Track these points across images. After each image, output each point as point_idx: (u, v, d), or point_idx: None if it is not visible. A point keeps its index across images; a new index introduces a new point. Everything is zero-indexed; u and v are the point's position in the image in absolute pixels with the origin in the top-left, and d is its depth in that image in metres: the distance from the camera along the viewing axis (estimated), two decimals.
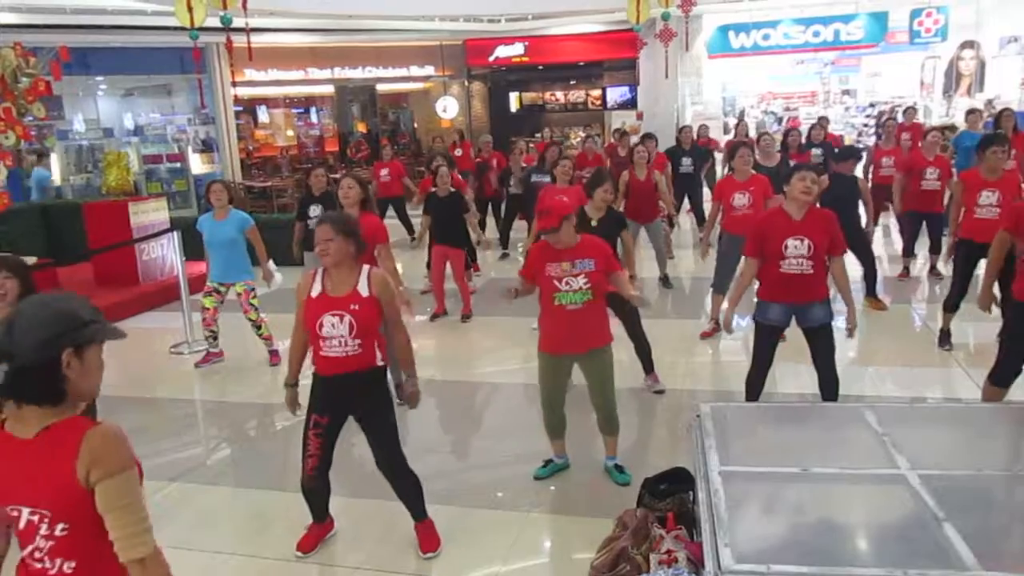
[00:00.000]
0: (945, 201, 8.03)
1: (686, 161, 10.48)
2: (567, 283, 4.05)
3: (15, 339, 1.85)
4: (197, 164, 15.18)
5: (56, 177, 13.79)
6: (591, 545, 3.41)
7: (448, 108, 18.10)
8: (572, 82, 18.96)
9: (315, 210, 7.10)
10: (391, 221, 11.01)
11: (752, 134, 13.19)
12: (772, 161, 8.20)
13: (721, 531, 2.47)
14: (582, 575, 3.29)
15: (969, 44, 15.25)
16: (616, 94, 17.78)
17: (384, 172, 11.08)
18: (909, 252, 8.33)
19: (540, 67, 18.53)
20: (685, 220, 11.66)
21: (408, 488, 3.76)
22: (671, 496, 3.51)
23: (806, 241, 4.34)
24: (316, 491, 3.78)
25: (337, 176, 11.75)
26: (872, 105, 16.65)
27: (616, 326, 4.43)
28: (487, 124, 18.81)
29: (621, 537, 3.24)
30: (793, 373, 5.56)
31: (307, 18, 14.39)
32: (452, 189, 7.70)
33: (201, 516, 4.33)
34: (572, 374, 4.38)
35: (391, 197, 11.09)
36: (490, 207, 11.14)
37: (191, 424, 5.95)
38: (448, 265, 7.71)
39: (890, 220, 9.63)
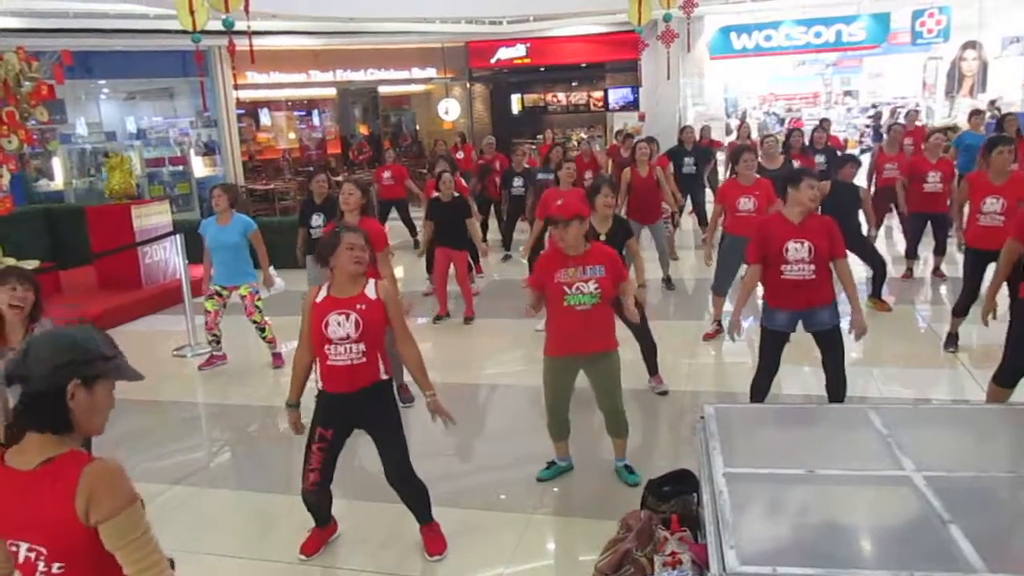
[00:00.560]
0: (949, 203, 8.02)
1: (688, 161, 10.47)
2: (577, 288, 4.05)
3: (29, 364, 1.85)
4: (199, 167, 15.19)
5: (59, 181, 13.82)
6: (595, 547, 3.40)
7: (450, 110, 18.10)
8: (574, 84, 18.95)
9: (317, 219, 7.10)
10: (394, 223, 11.06)
11: (755, 135, 13.18)
12: (775, 163, 8.18)
13: (726, 533, 2.46)
14: None
15: (971, 45, 15.24)
16: (618, 95, 17.78)
17: (387, 175, 11.09)
18: (912, 254, 8.32)
19: (542, 69, 18.53)
20: (687, 221, 11.64)
21: (416, 496, 3.76)
22: (675, 498, 3.50)
23: (806, 244, 4.34)
24: (317, 503, 3.78)
25: (339, 179, 11.79)
26: (874, 106, 16.64)
27: (620, 327, 4.42)
28: (489, 126, 18.81)
29: (625, 539, 3.23)
30: (797, 374, 5.55)
31: (309, 21, 14.40)
32: (456, 194, 7.70)
33: (204, 519, 4.33)
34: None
35: (394, 200, 11.11)
36: (492, 209, 11.15)
37: (194, 427, 5.95)
38: (451, 267, 7.71)
39: (893, 221, 9.62)
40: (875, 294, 7.33)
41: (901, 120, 11.96)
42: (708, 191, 10.98)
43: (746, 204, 6.46)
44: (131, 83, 15.41)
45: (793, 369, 5.49)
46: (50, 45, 9.88)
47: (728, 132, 15.69)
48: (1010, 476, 2.88)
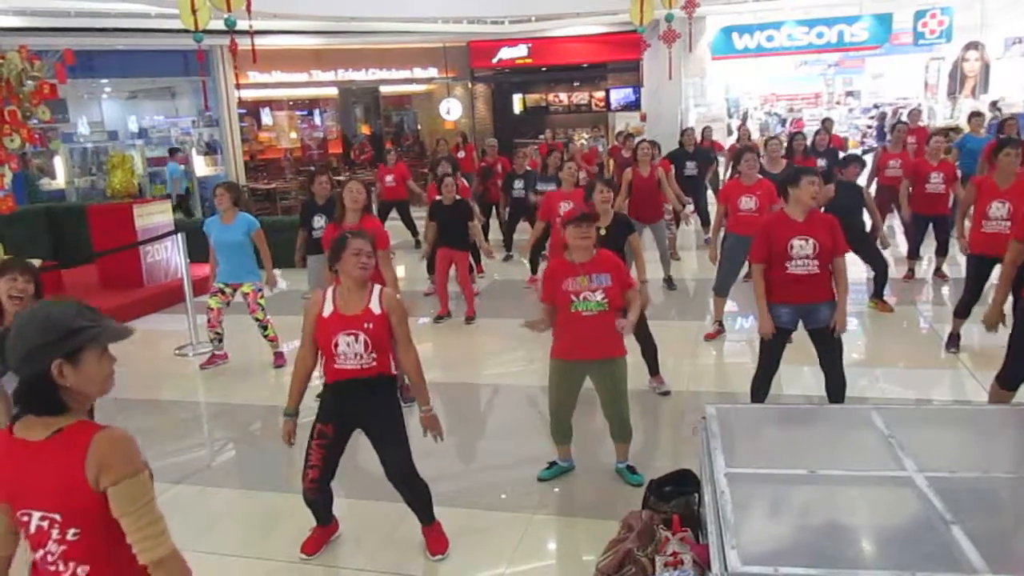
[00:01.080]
0: (951, 204, 8.01)
1: (690, 164, 10.46)
2: (584, 297, 4.07)
3: (7, 351, 1.87)
4: (201, 166, 15.20)
5: (60, 180, 13.84)
6: (596, 547, 3.41)
7: (452, 110, 18.11)
8: (576, 84, 18.95)
9: (319, 220, 7.10)
10: (395, 223, 11.07)
11: (756, 137, 13.17)
12: (778, 168, 8.16)
13: (728, 533, 2.46)
14: None
15: (973, 45, 15.23)
16: (620, 96, 17.78)
17: (389, 177, 11.10)
18: (914, 254, 8.32)
19: (544, 69, 18.53)
20: (689, 221, 11.62)
21: (419, 496, 3.75)
22: (676, 498, 3.51)
23: (811, 240, 4.35)
24: (318, 501, 3.77)
25: (341, 178, 11.79)
26: (876, 107, 16.62)
27: None
28: (490, 126, 18.81)
29: (627, 539, 3.23)
30: (798, 375, 5.55)
31: (311, 20, 14.42)
32: (457, 197, 7.70)
33: (206, 518, 4.33)
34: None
35: (396, 200, 11.11)
36: (494, 210, 11.14)
37: (196, 426, 5.95)
38: (452, 267, 7.72)
39: (895, 221, 9.62)
40: (877, 295, 7.33)
41: (904, 119, 11.94)
42: (710, 193, 10.96)
43: (748, 203, 6.47)
44: (133, 82, 15.44)
45: (794, 370, 5.49)
46: (52, 44, 9.88)
47: (729, 133, 15.68)
48: (1012, 477, 2.88)
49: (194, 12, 7.96)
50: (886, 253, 7.35)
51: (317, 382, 3.70)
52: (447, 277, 7.80)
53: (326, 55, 16.72)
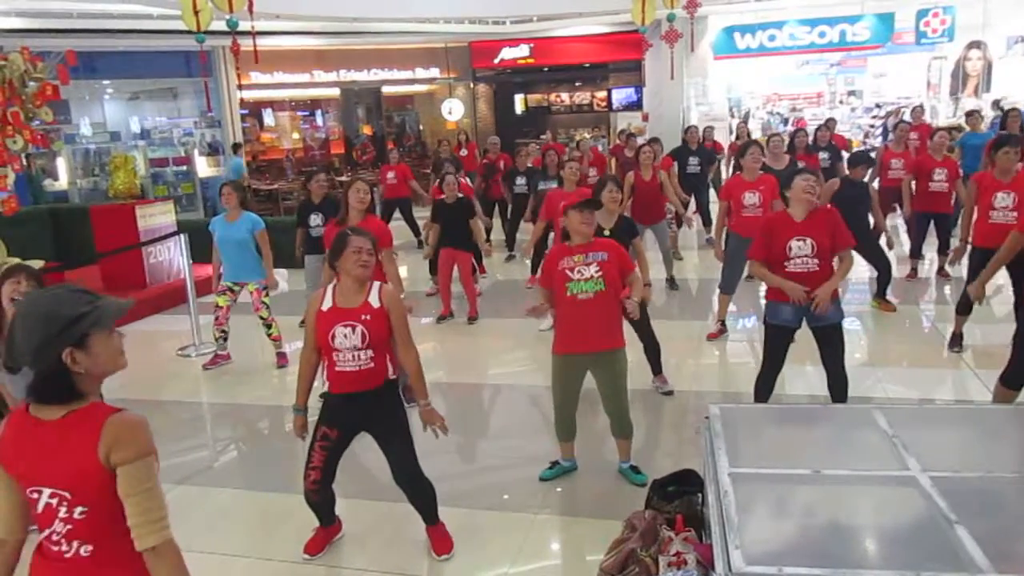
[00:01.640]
0: (953, 202, 8.00)
1: (692, 161, 10.46)
2: (579, 272, 4.07)
3: (15, 350, 1.88)
4: (203, 167, 15.22)
5: (63, 181, 13.86)
6: (599, 547, 3.40)
7: (453, 110, 18.12)
8: (577, 84, 18.95)
9: (316, 219, 7.15)
10: (398, 223, 11.07)
11: (757, 136, 13.15)
12: (780, 164, 8.17)
13: (731, 533, 2.46)
14: None
15: (976, 44, 15.21)
16: (621, 95, 17.77)
17: (391, 175, 11.11)
18: (917, 253, 8.31)
19: (545, 69, 18.53)
20: (692, 222, 11.61)
21: (424, 496, 3.75)
22: (680, 498, 3.50)
23: (809, 241, 4.35)
24: (319, 502, 3.77)
25: (343, 179, 11.80)
26: (878, 106, 16.60)
27: (625, 327, 4.42)
28: (492, 126, 18.81)
29: (630, 539, 3.23)
30: (802, 374, 5.54)
31: (313, 21, 14.43)
32: (460, 196, 7.71)
33: (209, 518, 4.33)
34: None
35: (398, 199, 11.12)
36: (496, 208, 11.14)
37: (199, 426, 5.96)
38: (455, 268, 7.72)
39: (897, 221, 9.61)
40: (880, 294, 7.32)
41: (907, 118, 11.93)
42: (712, 192, 10.95)
43: (751, 199, 6.45)
44: (135, 83, 15.46)
45: (797, 369, 5.49)
46: (55, 45, 9.90)
47: (730, 132, 15.67)
48: (1016, 476, 2.87)
49: (196, 13, 7.98)
50: (890, 253, 7.34)
51: (318, 381, 3.70)
52: (450, 278, 7.80)
53: (328, 55, 16.74)
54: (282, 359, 6.74)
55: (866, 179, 7.33)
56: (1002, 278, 6.39)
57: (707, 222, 10.72)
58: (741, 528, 2.49)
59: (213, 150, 15.60)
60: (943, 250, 8.14)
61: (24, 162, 9.03)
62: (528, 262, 9.00)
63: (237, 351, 6.97)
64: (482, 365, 6.86)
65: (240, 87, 13.80)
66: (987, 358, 5.74)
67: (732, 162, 9.21)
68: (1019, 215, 5.52)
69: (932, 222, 8.01)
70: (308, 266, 7.40)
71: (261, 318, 6.64)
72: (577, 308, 4.09)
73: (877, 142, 15.64)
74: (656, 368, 5.62)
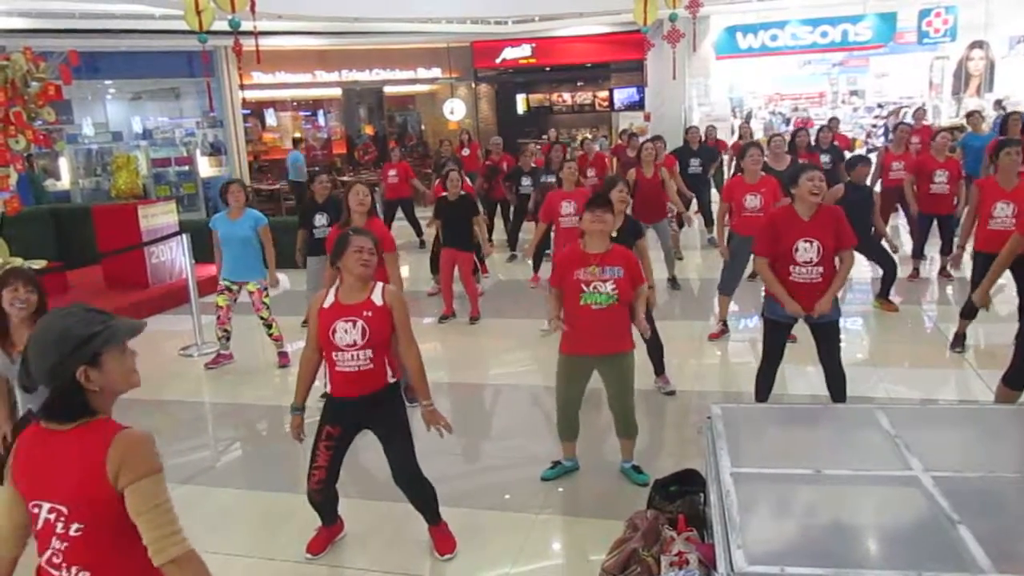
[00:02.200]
0: (955, 203, 7.98)
1: (694, 161, 10.46)
2: (595, 287, 4.07)
3: (31, 370, 1.91)
4: (205, 167, 15.22)
5: (65, 181, 13.87)
6: (601, 547, 3.40)
7: (455, 110, 18.11)
8: (579, 84, 18.94)
9: (320, 219, 7.13)
10: (401, 223, 11.09)
11: (759, 136, 13.14)
12: (782, 164, 8.16)
13: (733, 533, 2.46)
14: None
15: (978, 44, 15.19)
16: (623, 95, 17.76)
17: (392, 173, 11.13)
18: (919, 254, 8.30)
19: (547, 69, 18.51)
20: (693, 220, 11.60)
21: (424, 497, 3.75)
22: (682, 498, 3.50)
23: (815, 244, 4.34)
24: (323, 502, 3.77)
25: (345, 179, 11.81)
26: (880, 106, 16.58)
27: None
28: (494, 126, 18.80)
29: (632, 539, 3.23)
30: (803, 374, 5.54)
31: (314, 21, 14.43)
32: (462, 193, 7.71)
33: (211, 518, 4.33)
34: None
35: (400, 200, 11.12)
36: (499, 209, 11.15)
37: (201, 426, 5.96)
38: (456, 268, 7.72)
39: (899, 221, 9.60)
40: (883, 295, 7.31)
41: (908, 119, 11.93)
42: (714, 191, 10.95)
43: (752, 202, 6.45)
44: (137, 83, 15.47)
45: (798, 369, 5.48)
46: (57, 45, 9.92)
47: (732, 132, 15.66)
48: (1018, 476, 2.87)
49: (198, 13, 7.98)
50: (894, 255, 7.33)
51: (319, 381, 3.70)
52: (451, 278, 7.80)
53: (330, 56, 16.74)
54: (283, 359, 6.75)
55: (868, 181, 7.29)
56: (1005, 278, 6.39)
57: (709, 222, 10.72)
58: (743, 528, 2.49)
59: (215, 150, 15.61)
60: (945, 251, 8.13)
61: (26, 162, 9.04)
62: (530, 262, 9.00)
63: (239, 351, 6.98)
64: (484, 365, 6.86)
65: (242, 87, 13.80)
66: (989, 358, 5.73)
67: (733, 162, 9.22)
68: (1018, 222, 5.52)
69: (934, 222, 8.00)
70: (310, 267, 7.40)
71: (261, 318, 6.64)
72: (590, 315, 4.10)
73: (879, 142, 15.63)
74: (659, 368, 5.62)
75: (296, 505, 4.03)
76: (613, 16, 15.39)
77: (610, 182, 5.45)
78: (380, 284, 3.58)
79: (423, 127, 19.85)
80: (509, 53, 17.73)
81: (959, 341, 6.15)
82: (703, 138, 11.17)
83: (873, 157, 9.33)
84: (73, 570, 1.91)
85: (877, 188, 8.61)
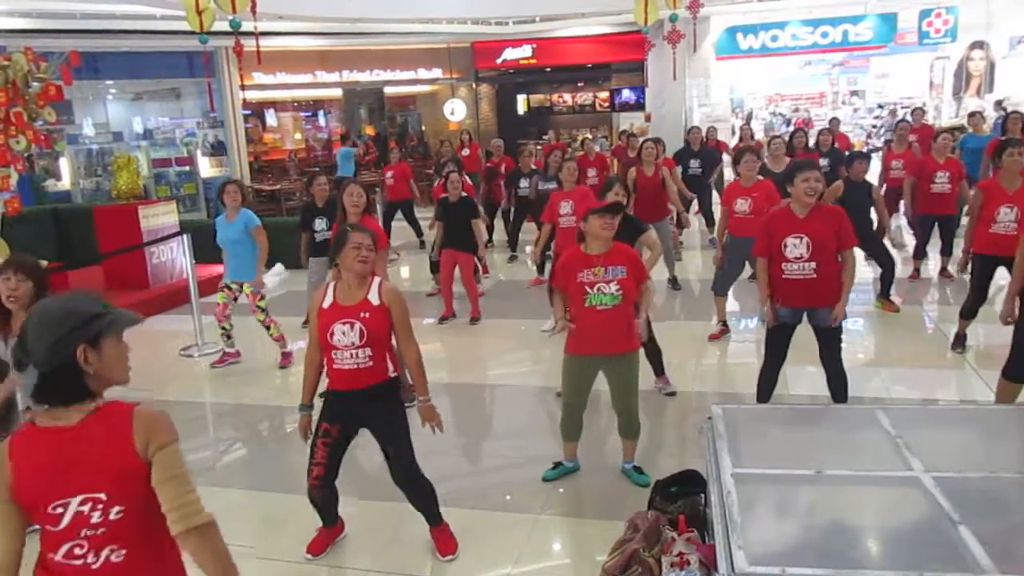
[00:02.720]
0: (959, 204, 7.96)
1: (694, 163, 10.46)
2: (599, 288, 4.07)
3: (29, 347, 1.88)
4: (206, 167, 15.24)
5: (66, 181, 13.88)
6: (602, 547, 3.40)
7: (456, 110, 18.12)
8: (580, 84, 18.95)
9: (320, 223, 7.12)
10: (400, 224, 11.09)
11: (760, 136, 13.14)
12: (780, 165, 8.17)
13: (734, 533, 2.46)
14: None
15: (978, 44, 15.20)
16: (624, 96, 17.77)
17: (389, 175, 11.14)
18: (920, 254, 8.29)
19: (548, 69, 18.53)
20: (693, 221, 11.61)
21: (423, 496, 3.75)
22: (682, 498, 3.50)
23: (804, 239, 4.34)
24: (322, 500, 3.77)
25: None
26: (881, 106, 16.60)
27: None
28: (495, 126, 18.82)
29: (632, 539, 3.22)
30: (804, 375, 5.53)
31: (315, 22, 14.44)
32: (463, 195, 7.71)
33: None
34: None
35: (399, 201, 11.12)
36: (500, 211, 11.15)
37: (201, 426, 5.96)
38: (457, 269, 7.72)
39: (900, 221, 9.60)
40: (883, 294, 7.30)
41: (908, 118, 11.92)
42: (715, 193, 10.94)
43: (742, 206, 6.47)
44: (138, 84, 15.49)
45: (800, 370, 5.48)
46: (58, 46, 9.92)
47: (733, 133, 15.67)
48: (1019, 477, 2.87)
49: (199, 13, 7.98)
50: (895, 252, 7.32)
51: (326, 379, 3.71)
52: (452, 279, 7.80)
53: (330, 56, 16.75)
54: (285, 359, 6.74)
55: (866, 177, 7.26)
56: (1003, 279, 6.38)
57: (710, 223, 10.72)
58: (744, 528, 2.48)
59: (216, 150, 15.62)
60: (945, 251, 8.12)
61: (27, 163, 9.05)
62: (534, 267, 8.99)
63: (241, 351, 6.97)
64: (485, 366, 6.85)
65: (243, 88, 13.80)
66: (990, 359, 5.72)
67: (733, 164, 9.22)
68: (1019, 227, 5.50)
69: (936, 223, 7.98)
70: (312, 268, 7.41)
71: (259, 320, 6.65)
72: (596, 315, 4.10)
73: (879, 142, 15.64)
74: (658, 369, 5.61)
75: (297, 506, 4.03)
76: (613, 17, 15.41)
77: (608, 184, 5.47)
78: (378, 281, 3.57)
79: (424, 128, 19.86)
80: (510, 53, 17.75)
81: (960, 341, 6.15)
82: (704, 139, 11.17)
83: (876, 157, 9.36)
84: (105, 552, 1.90)
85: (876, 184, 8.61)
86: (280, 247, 8.94)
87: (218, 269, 7.21)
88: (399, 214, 11.20)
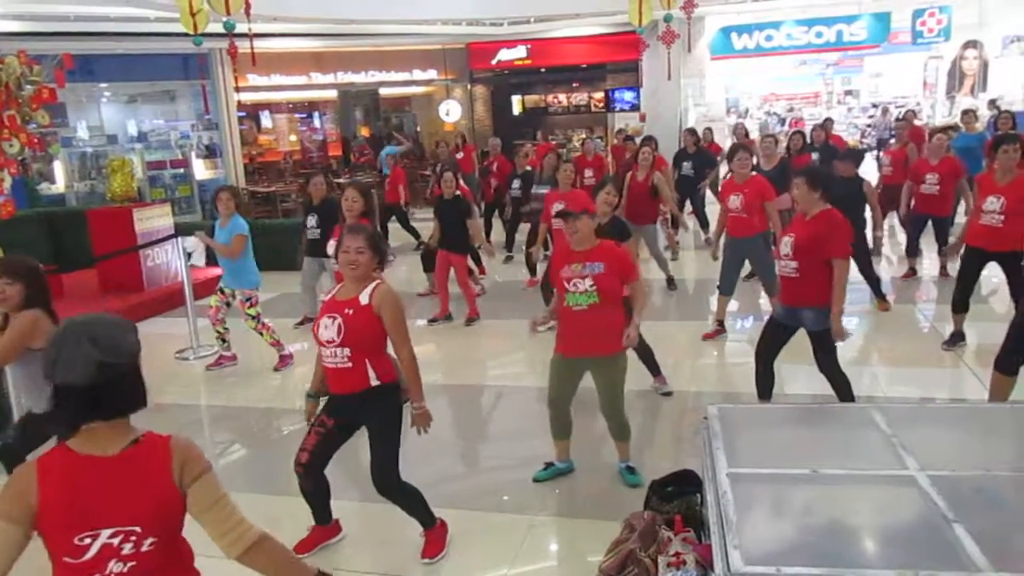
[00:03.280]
0: (958, 204, 7.96)
1: (686, 164, 10.49)
2: (575, 284, 4.09)
3: (108, 348, 1.84)
4: (201, 170, 15.20)
5: (60, 184, 13.83)
6: (599, 548, 3.40)
7: (451, 111, 18.09)
8: (575, 85, 18.93)
9: (311, 220, 7.18)
10: (395, 225, 11.09)
11: (755, 136, 13.17)
12: (772, 163, 8.21)
13: (730, 533, 2.46)
14: None
15: (972, 44, 15.25)
16: (619, 96, 17.76)
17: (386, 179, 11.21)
18: (912, 252, 8.28)
19: (543, 70, 18.52)
20: (687, 222, 11.63)
21: (405, 503, 3.74)
22: (679, 498, 3.50)
23: (789, 240, 4.49)
24: (310, 490, 3.76)
25: (341, 181, 11.82)
26: (875, 106, 16.65)
27: None
28: (490, 127, 18.80)
29: (629, 540, 3.23)
30: (799, 374, 5.54)
31: (310, 23, 14.41)
32: (457, 193, 7.71)
33: None
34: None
35: (393, 205, 11.13)
36: (496, 211, 11.16)
37: (197, 429, 5.94)
38: (452, 271, 7.73)
39: (894, 220, 9.62)
40: (877, 296, 7.29)
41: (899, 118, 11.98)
42: (711, 194, 10.94)
43: (734, 202, 6.50)
44: (132, 86, 15.42)
45: (795, 369, 5.49)
46: (51, 48, 9.89)
47: (729, 133, 15.70)
48: (1014, 475, 2.88)
49: (193, 15, 7.97)
50: (885, 250, 7.34)
51: None
52: (447, 280, 7.80)
53: (325, 57, 16.72)
54: (282, 362, 6.72)
55: (857, 172, 7.23)
56: (997, 277, 6.40)
57: (704, 224, 10.74)
58: (740, 528, 2.49)
59: (210, 153, 15.58)
60: (942, 252, 8.09)
61: (21, 166, 9.01)
62: (526, 267, 9.00)
63: (237, 353, 6.96)
64: (481, 367, 6.85)
65: (237, 89, 13.79)
66: (986, 357, 5.73)
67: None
68: (1007, 220, 5.53)
69: (928, 223, 7.98)
70: (305, 267, 7.43)
71: (250, 328, 6.64)
72: (573, 316, 4.14)
73: (874, 141, 15.68)
74: (654, 369, 5.61)
75: (293, 507, 4.02)
76: (608, 17, 15.40)
77: (600, 185, 5.53)
78: (375, 283, 3.51)
79: (419, 129, 19.85)
80: (505, 54, 17.73)
81: (955, 339, 6.14)
82: (698, 141, 11.18)
83: (871, 156, 9.41)
84: None
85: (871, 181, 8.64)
86: (274, 248, 8.94)
87: (214, 272, 7.20)
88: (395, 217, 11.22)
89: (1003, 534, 2.55)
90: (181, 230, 8.47)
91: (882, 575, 2.29)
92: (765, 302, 7.13)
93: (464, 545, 3.84)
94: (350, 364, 3.45)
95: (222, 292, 6.65)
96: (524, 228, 10.02)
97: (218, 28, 8.21)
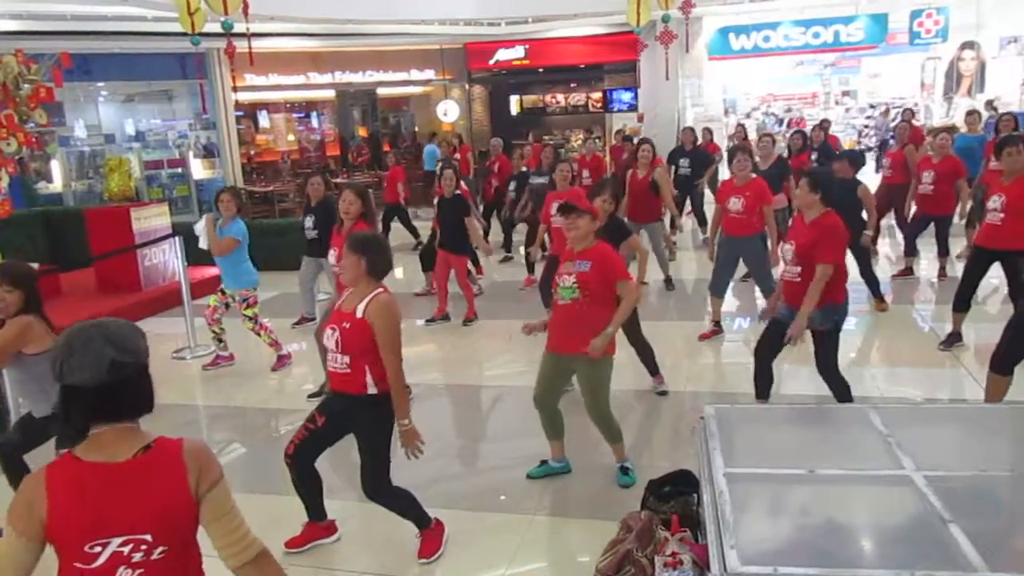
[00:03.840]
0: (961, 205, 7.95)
1: (683, 162, 10.50)
2: (563, 279, 4.19)
3: (121, 346, 1.83)
4: (198, 169, 15.19)
5: (57, 183, 13.82)
6: (596, 548, 3.40)
7: (449, 112, 18.09)
8: (573, 85, 18.94)
9: (308, 221, 7.21)
10: (395, 225, 11.09)
11: (752, 136, 13.18)
12: (768, 163, 8.22)
13: (727, 533, 2.46)
14: None
15: (969, 45, 15.26)
16: (617, 96, 17.78)
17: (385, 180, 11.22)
18: (910, 251, 8.29)
19: (541, 70, 18.52)
20: (686, 222, 11.64)
21: (397, 507, 3.75)
22: (675, 498, 3.50)
23: (789, 246, 4.58)
24: (295, 479, 3.77)
25: (339, 181, 11.85)
26: (872, 107, 16.65)
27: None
28: (488, 127, 18.80)
29: (626, 540, 3.23)
30: (797, 375, 5.55)
31: (308, 23, 14.41)
32: (456, 192, 7.72)
33: None
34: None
35: (393, 205, 11.13)
36: (495, 211, 11.17)
37: (194, 429, 5.93)
38: (451, 271, 7.73)
39: (891, 220, 9.63)
40: (875, 296, 7.30)
41: (897, 119, 12.00)
42: (709, 193, 10.96)
43: (735, 204, 6.51)
44: (130, 85, 15.41)
45: (793, 369, 5.50)
46: (49, 48, 9.87)
47: (725, 134, 15.70)
48: (1010, 475, 2.89)
49: (191, 15, 7.96)
50: (886, 250, 7.35)
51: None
52: (446, 280, 7.81)
53: (323, 57, 16.71)
54: (279, 362, 6.72)
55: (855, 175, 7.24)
56: (997, 279, 6.42)
57: (702, 223, 10.74)
58: (737, 528, 2.49)
59: (208, 152, 15.57)
60: (943, 252, 8.07)
61: (18, 165, 9.01)
62: (526, 267, 9.00)
63: (234, 354, 6.95)
64: (478, 366, 6.85)
65: (235, 89, 13.77)
66: (983, 357, 5.74)
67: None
68: (1007, 219, 5.54)
69: (928, 224, 7.98)
70: (303, 267, 7.44)
71: (248, 329, 6.64)
72: (558, 310, 4.22)
73: (871, 142, 15.70)
74: (652, 369, 5.62)
75: (290, 508, 4.02)
76: (606, 17, 15.41)
77: (597, 187, 5.52)
78: (372, 295, 3.50)
79: (417, 129, 19.85)
80: (503, 54, 17.73)
81: (952, 339, 6.15)
82: (697, 139, 11.19)
83: (871, 157, 9.44)
84: None
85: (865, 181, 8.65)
86: (271, 249, 8.95)
87: (211, 271, 7.20)
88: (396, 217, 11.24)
89: (998, 534, 2.56)
90: (178, 230, 8.47)
91: (878, 575, 2.29)
92: (763, 303, 7.13)
93: (462, 545, 3.85)
94: (350, 370, 3.53)
95: (223, 293, 6.65)
96: (523, 228, 10.04)
97: (216, 28, 8.20)
